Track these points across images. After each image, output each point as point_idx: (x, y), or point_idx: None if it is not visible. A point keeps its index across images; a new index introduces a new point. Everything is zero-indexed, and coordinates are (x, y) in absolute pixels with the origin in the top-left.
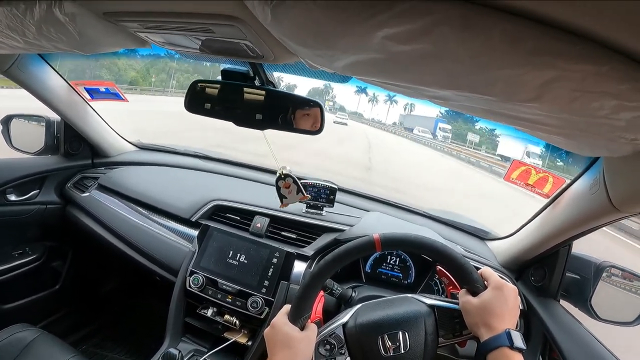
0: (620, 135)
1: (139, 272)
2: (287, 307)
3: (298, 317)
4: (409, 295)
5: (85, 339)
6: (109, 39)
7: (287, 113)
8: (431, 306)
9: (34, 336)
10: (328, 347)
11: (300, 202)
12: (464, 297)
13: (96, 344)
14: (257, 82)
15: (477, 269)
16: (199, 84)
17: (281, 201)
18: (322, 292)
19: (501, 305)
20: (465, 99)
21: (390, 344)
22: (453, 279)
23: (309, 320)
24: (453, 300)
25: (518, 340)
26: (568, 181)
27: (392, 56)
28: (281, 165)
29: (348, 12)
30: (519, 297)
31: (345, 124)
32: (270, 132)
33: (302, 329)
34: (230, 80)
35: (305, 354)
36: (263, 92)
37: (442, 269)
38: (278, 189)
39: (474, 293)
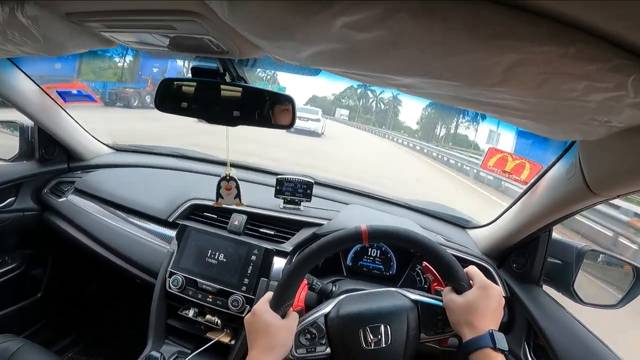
0: (593, 117)
1: (120, 276)
2: (269, 295)
3: (280, 305)
4: (393, 289)
5: (70, 346)
6: (73, 40)
7: (264, 109)
8: (415, 301)
9: (17, 346)
10: (309, 336)
11: (234, 207)
12: (448, 294)
13: (81, 350)
14: (227, 78)
15: (462, 264)
16: (169, 82)
17: (216, 199)
18: (305, 281)
19: (485, 305)
20: (430, 86)
21: (372, 337)
22: (438, 276)
23: (290, 308)
24: (437, 297)
25: (501, 341)
26: (545, 167)
27: (353, 45)
28: (229, 168)
29: (305, 2)
30: (503, 299)
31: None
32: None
33: (283, 316)
34: (201, 77)
35: (285, 342)
36: (240, 89)
37: (428, 265)
38: (218, 188)
39: (458, 291)
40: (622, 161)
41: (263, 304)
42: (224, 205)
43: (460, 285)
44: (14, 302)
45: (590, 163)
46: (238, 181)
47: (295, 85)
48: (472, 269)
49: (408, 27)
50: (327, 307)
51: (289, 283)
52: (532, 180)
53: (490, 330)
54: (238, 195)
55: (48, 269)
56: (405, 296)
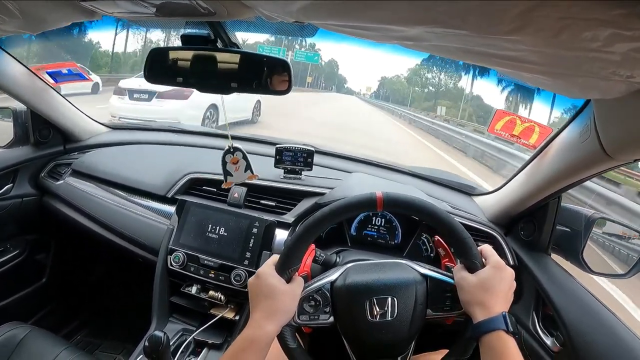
0: (615, 71)
1: (124, 256)
2: (275, 258)
3: (285, 269)
4: (403, 261)
5: (77, 329)
6: (53, 14)
7: (262, 78)
8: (425, 276)
9: (25, 333)
10: (313, 303)
11: (247, 181)
12: (459, 272)
13: (89, 333)
14: (219, 44)
15: (469, 232)
16: (158, 51)
17: (225, 179)
18: (313, 246)
19: (499, 285)
20: (436, 37)
21: (377, 309)
22: (450, 252)
23: (296, 273)
24: (447, 274)
25: (514, 324)
26: (556, 130)
27: None
28: (231, 139)
29: None
30: (514, 282)
31: None
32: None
33: (288, 281)
34: (191, 45)
35: (289, 307)
36: (234, 56)
37: (441, 240)
38: (224, 164)
39: (471, 269)
40: None
41: (268, 267)
42: (234, 184)
43: (473, 264)
44: (19, 290)
45: (607, 124)
46: (244, 151)
47: None
48: (486, 248)
49: None
50: (334, 275)
51: (296, 246)
52: (542, 145)
53: (504, 313)
54: (249, 167)
55: (51, 254)
56: (415, 270)
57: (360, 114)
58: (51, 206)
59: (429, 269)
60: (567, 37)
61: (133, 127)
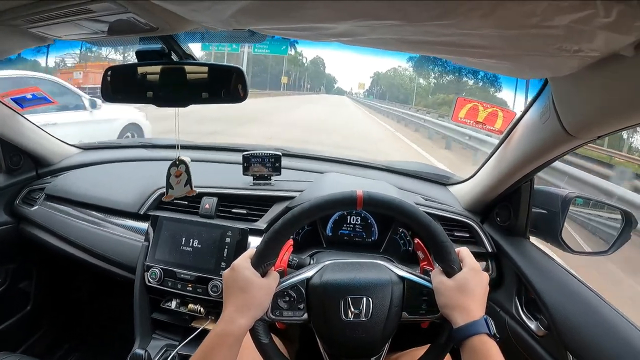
0: (561, 47)
1: (105, 276)
2: (251, 251)
3: (261, 263)
4: (381, 262)
5: (68, 354)
6: (6, 42)
7: (217, 87)
8: (402, 278)
9: None
10: (287, 299)
11: (187, 195)
12: (437, 276)
13: (80, 356)
14: (174, 58)
15: (444, 222)
16: (113, 70)
17: (166, 192)
18: (291, 241)
19: (476, 287)
20: (369, 31)
21: (352, 308)
22: (429, 256)
23: (272, 267)
24: (425, 277)
25: (494, 327)
26: (519, 113)
27: None
28: (179, 151)
29: None
30: (488, 286)
31: None
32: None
33: (263, 275)
34: (146, 60)
35: (262, 302)
36: (192, 68)
37: (420, 243)
38: (168, 176)
39: (449, 274)
40: (599, 97)
41: (244, 260)
42: (174, 198)
43: (452, 268)
44: (5, 319)
45: (565, 103)
46: (188, 165)
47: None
48: (463, 251)
49: None
50: (310, 272)
51: (273, 241)
52: (507, 129)
53: (485, 316)
54: (189, 182)
55: (34, 280)
56: (392, 271)
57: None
58: (28, 233)
59: (407, 271)
60: (502, 14)
61: (103, 146)
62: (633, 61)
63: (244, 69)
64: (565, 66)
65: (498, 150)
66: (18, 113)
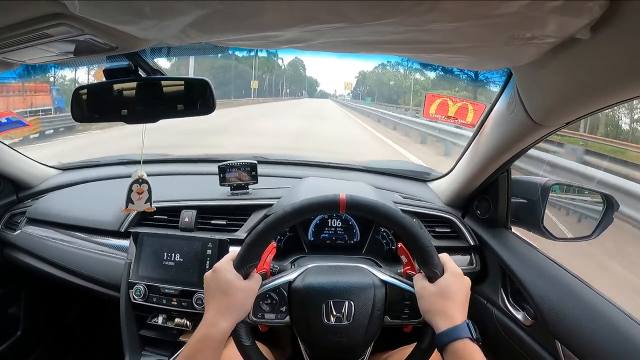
0: (513, 35)
1: (91, 296)
2: (233, 253)
3: (243, 265)
4: (364, 266)
5: None
6: None
7: (184, 100)
8: (384, 282)
9: None
10: (269, 301)
11: (145, 210)
12: (420, 281)
13: None
14: (142, 74)
15: (424, 219)
16: (82, 90)
17: (126, 205)
18: (274, 244)
19: (458, 292)
20: (317, 35)
21: (334, 312)
22: (412, 261)
23: (254, 270)
24: (407, 282)
25: (476, 332)
26: (489, 106)
27: (216, 6)
28: (141, 169)
29: None
30: (470, 291)
31: None
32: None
33: (245, 277)
34: (114, 77)
35: (244, 304)
36: (161, 83)
37: (404, 247)
38: (129, 192)
39: (431, 279)
40: (561, 84)
41: (226, 263)
42: (132, 212)
43: (434, 273)
44: None
45: (529, 92)
46: (150, 184)
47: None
48: (444, 256)
49: None
50: (293, 274)
51: (256, 243)
52: (479, 122)
53: (467, 321)
54: (149, 200)
55: (22, 305)
56: (375, 275)
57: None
58: (13, 258)
59: (389, 276)
60: (446, 7)
61: (82, 165)
62: (590, 43)
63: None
64: (524, 54)
65: (472, 144)
66: None
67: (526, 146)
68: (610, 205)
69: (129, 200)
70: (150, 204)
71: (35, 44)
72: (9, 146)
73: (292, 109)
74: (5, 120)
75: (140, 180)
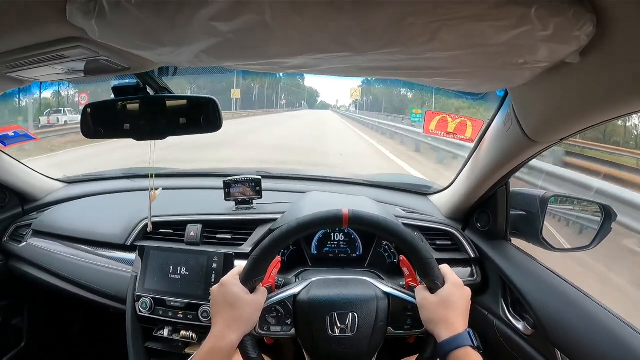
0: (506, 61)
1: (96, 309)
2: (240, 267)
3: (250, 279)
4: (366, 278)
5: None
6: None
7: (192, 118)
8: (386, 294)
9: None
10: (275, 314)
11: None
12: (421, 293)
13: None
14: (150, 92)
15: (425, 233)
16: (92, 107)
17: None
18: (279, 258)
19: (459, 302)
20: (323, 62)
21: (338, 323)
22: (414, 272)
23: (260, 283)
24: (409, 293)
25: (477, 340)
26: (487, 122)
27: (229, 37)
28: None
29: (163, 3)
30: (470, 300)
31: None
32: None
33: (251, 291)
34: (123, 95)
35: (251, 318)
36: (171, 102)
37: (405, 260)
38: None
39: (432, 290)
40: (554, 103)
41: (233, 277)
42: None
43: (435, 284)
44: None
45: (524, 110)
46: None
47: None
48: (445, 268)
49: (271, 7)
50: (297, 288)
51: (261, 258)
52: (477, 137)
53: (469, 329)
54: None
55: (26, 317)
56: (377, 287)
57: None
58: (18, 269)
59: (392, 287)
60: (443, 38)
61: (87, 178)
62: (579, 66)
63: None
64: (518, 77)
65: (472, 158)
66: (1, 151)
67: (522, 162)
68: (608, 215)
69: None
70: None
71: (49, 64)
72: (15, 159)
73: (283, 126)
74: (13, 134)
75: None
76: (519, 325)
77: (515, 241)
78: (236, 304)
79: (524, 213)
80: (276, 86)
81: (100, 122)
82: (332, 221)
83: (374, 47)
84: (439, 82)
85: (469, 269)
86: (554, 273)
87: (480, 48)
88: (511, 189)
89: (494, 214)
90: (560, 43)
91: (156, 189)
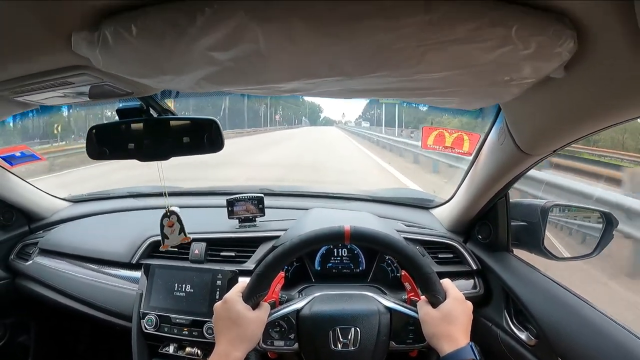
0: (493, 80)
1: (102, 326)
2: (242, 283)
3: (252, 295)
4: (369, 293)
5: None
6: None
7: (195, 139)
8: (388, 309)
9: None
10: (278, 329)
11: (182, 243)
12: (423, 307)
13: None
14: (153, 113)
15: (427, 247)
16: (97, 129)
17: (162, 242)
18: (282, 274)
19: (461, 316)
20: (315, 86)
21: (341, 338)
22: (416, 287)
23: (263, 299)
24: (411, 308)
25: (479, 353)
26: (483, 136)
27: (227, 65)
28: (169, 202)
29: (162, 35)
30: (472, 315)
31: None
32: None
33: (254, 307)
34: (127, 117)
35: (255, 334)
36: (172, 123)
37: (407, 275)
38: (162, 227)
39: (434, 304)
40: (544, 116)
41: (236, 294)
42: (170, 247)
43: (436, 299)
44: None
45: (516, 124)
46: (179, 214)
47: None
48: (446, 282)
49: (261, 35)
50: (300, 303)
51: (264, 274)
52: (475, 151)
53: (471, 343)
54: (182, 230)
55: (32, 334)
56: (379, 302)
57: None
58: (25, 287)
59: (394, 302)
60: (430, 61)
61: (92, 197)
62: (565, 80)
63: None
64: (507, 94)
65: (470, 171)
66: (8, 170)
67: (517, 174)
68: (609, 222)
69: (164, 237)
70: (185, 234)
71: (55, 89)
72: (22, 178)
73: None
74: (20, 154)
75: (168, 214)
76: (523, 336)
77: (518, 252)
78: (239, 322)
79: (525, 224)
80: (275, 103)
81: (104, 143)
82: (334, 237)
83: (364, 71)
84: (431, 101)
85: (471, 281)
86: (556, 283)
87: (467, 68)
88: (512, 200)
89: (494, 226)
90: (543, 60)
91: (170, 213)
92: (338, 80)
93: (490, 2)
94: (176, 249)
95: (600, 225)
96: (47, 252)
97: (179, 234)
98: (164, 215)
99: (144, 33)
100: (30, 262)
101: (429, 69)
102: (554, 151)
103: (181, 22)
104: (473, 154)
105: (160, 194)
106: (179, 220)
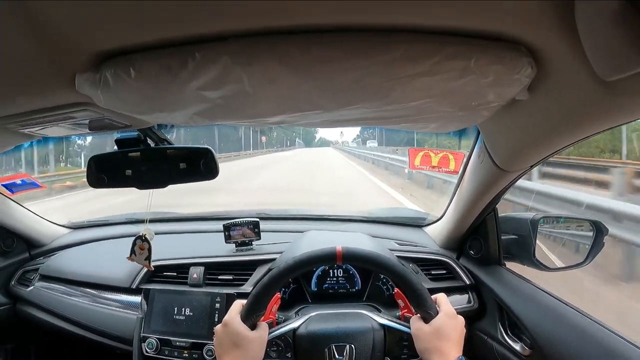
0: (463, 104)
1: (103, 351)
2: (239, 305)
3: (251, 315)
4: (363, 311)
5: None
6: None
7: (191, 167)
8: (382, 325)
9: None
10: (276, 348)
11: (145, 268)
12: (416, 323)
13: None
14: (150, 143)
15: (420, 263)
16: (97, 159)
17: (130, 254)
18: (278, 294)
19: (452, 332)
20: (300, 118)
21: (337, 355)
22: (409, 304)
23: (260, 319)
24: (405, 324)
25: None
26: (467, 154)
27: (217, 102)
28: (147, 229)
29: (158, 77)
30: (464, 329)
31: None
32: None
33: (253, 327)
34: (125, 147)
35: (257, 354)
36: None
37: (400, 292)
38: (134, 244)
39: (426, 320)
40: (517, 134)
41: (234, 315)
42: (135, 262)
43: (428, 314)
44: None
45: (492, 143)
46: (151, 244)
47: None
48: (439, 297)
49: (246, 76)
50: (297, 322)
51: (261, 294)
52: (461, 169)
53: (461, 357)
54: (148, 258)
55: (33, 359)
56: (373, 319)
57: None
58: (25, 313)
59: (387, 319)
60: (397, 94)
61: (92, 224)
62: (530, 101)
63: None
64: (478, 117)
65: (459, 188)
66: (9, 198)
67: (499, 191)
68: (599, 230)
69: (132, 252)
70: (149, 263)
71: (58, 123)
72: (22, 206)
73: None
74: (20, 182)
75: (143, 238)
76: (517, 347)
77: (511, 265)
78: (240, 343)
79: (516, 237)
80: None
81: (104, 172)
82: (326, 258)
83: (339, 104)
84: (408, 127)
85: (465, 295)
86: (548, 293)
87: (435, 97)
88: (501, 214)
89: (485, 240)
90: (504, 86)
91: (144, 239)
92: (318, 113)
93: (446, 37)
94: (175, 274)
95: (591, 234)
96: (48, 278)
97: (145, 259)
98: (139, 237)
99: (142, 75)
100: (31, 288)
101: (399, 100)
102: (531, 167)
103: (174, 66)
104: (459, 172)
105: (159, 220)
106: (149, 249)
